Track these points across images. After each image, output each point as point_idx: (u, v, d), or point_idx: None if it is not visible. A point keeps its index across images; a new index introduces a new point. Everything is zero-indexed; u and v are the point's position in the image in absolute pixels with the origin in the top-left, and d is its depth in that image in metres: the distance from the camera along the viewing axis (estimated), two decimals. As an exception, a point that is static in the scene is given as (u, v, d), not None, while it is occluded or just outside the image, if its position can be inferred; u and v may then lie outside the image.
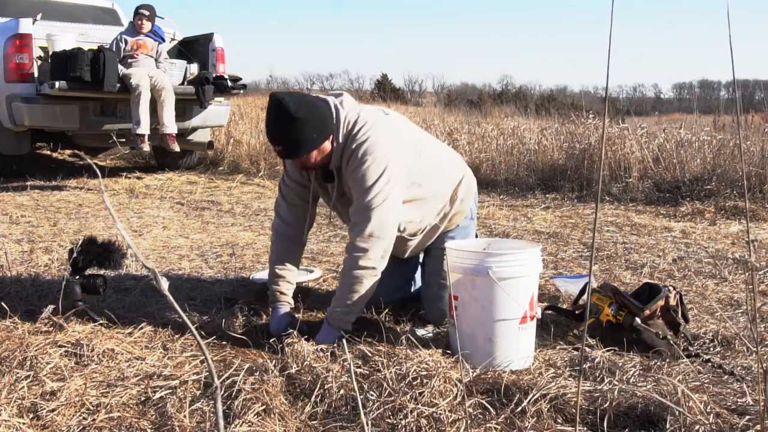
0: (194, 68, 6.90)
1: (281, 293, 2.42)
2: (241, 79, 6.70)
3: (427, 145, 2.43)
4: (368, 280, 2.20)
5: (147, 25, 6.15)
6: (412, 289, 2.73)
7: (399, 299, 2.64)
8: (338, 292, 2.25)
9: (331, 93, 2.36)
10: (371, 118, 2.27)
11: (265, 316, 2.54)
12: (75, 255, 2.31)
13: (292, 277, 2.46)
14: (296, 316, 2.40)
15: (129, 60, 6.01)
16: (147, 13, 6.16)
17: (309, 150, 2.21)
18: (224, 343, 2.26)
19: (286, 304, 2.42)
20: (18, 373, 1.84)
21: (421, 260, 2.66)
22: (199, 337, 0.73)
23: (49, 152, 7.89)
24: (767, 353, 2.18)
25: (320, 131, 2.20)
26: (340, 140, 2.23)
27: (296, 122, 2.15)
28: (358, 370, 1.94)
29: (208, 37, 6.86)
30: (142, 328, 2.26)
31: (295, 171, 2.42)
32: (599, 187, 0.85)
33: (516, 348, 2.08)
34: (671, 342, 2.15)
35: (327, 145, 2.23)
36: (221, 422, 0.76)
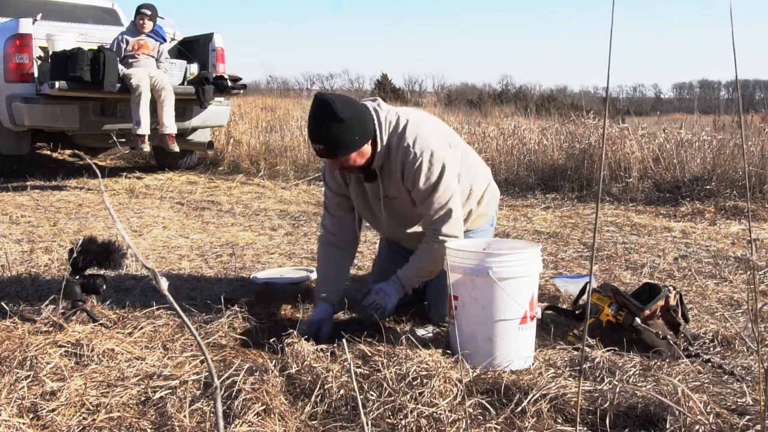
0: (194, 68, 6.90)
1: (321, 298, 2.45)
2: (241, 79, 6.70)
3: (457, 143, 2.50)
4: (442, 264, 2.31)
5: (149, 25, 6.15)
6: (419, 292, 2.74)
7: (403, 301, 2.64)
8: (419, 264, 2.39)
9: (366, 99, 2.42)
10: (411, 116, 2.36)
11: (265, 317, 2.54)
12: (75, 255, 2.31)
13: (336, 284, 2.50)
14: (329, 319, 2.41)
15: (130, 60, 6.00)
16: (149, 12, 6.16)
17: (350, 151, 2.25)
18: (224, 343, 2.25)
19: (323, 307, 2.43)
20: (18, 373, 1.84)
21: None
22: (198, 338, 0.73)
23: (49, 152, 7.90)
24: (767, 353, 2.18)
25: (363, 134, 2.25)
26: (385, 141, 2.30)
27: (341, 123, 2.19)
28: (358, 370, 1.94)
29: (208, 37, 6.86)
30: (142, 328, 2.26)
31: (334, 180, 2.50)
32: (600, 187, 0.84)
33: (516, 348, 2.07)
34: (671, 342, 2.15)
35: (367, 148, 2.29)
36: (221, 422, 0.76)
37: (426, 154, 2.27)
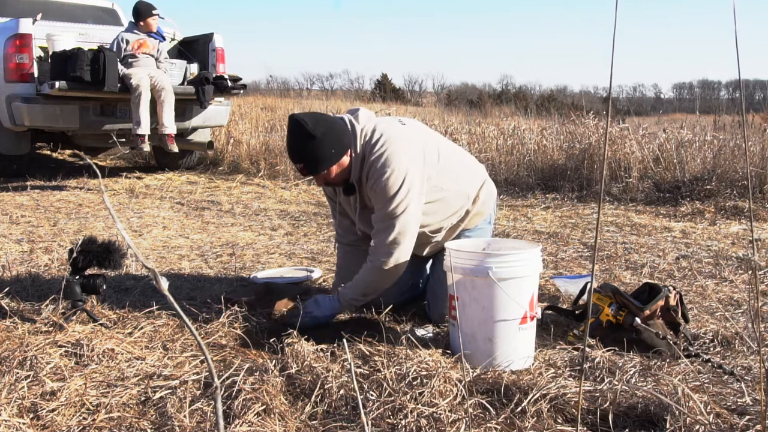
0: (194, 68, 6.90)
1: (336, 288, 2.55)
2: (241, 79, 6.70)
3: (447, 149, 2.52)
4: (386, 281, 2.38)
5: (155, 25, 6.17)
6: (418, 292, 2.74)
7: (403, 301, 2.65)
8: (356, 282, 2.40)
9: (347, 111, 2.48)
10: (387, 129, 2.36)
11: (265, 317, 2.54)
12: (75, 255, 2.31)
13: (349, 278, 2.51)
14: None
15: (130, 60, 6.00)
16: (158, 13, 6.17)
17: (328, 165, 2.32)
18: (224, 343, 2.25)
19: (332, 302, 2.47)
20: (18, 373, 1.84)
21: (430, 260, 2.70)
22: (198, 337, 0.73)
23: (49, 152, 7.90)
24: (767, 353, 2.18)
25: (338, 147, 2.31)
26: (358, 151, 2.35)
27: (314, 140, 2.27)
28: (358, 370, 1.94)
29: (208, 37, 6.86)
30: (142, 328, 2.26)
31: (326, 189, 2.61)
32: (602, 186, 0.84)
33: (516, 348, 2.07)
34: (671, 342, 2.15)
35: (346, 160, 2.35)
36: (221, 422, 0.76)
37: (388, 168, 2.27)
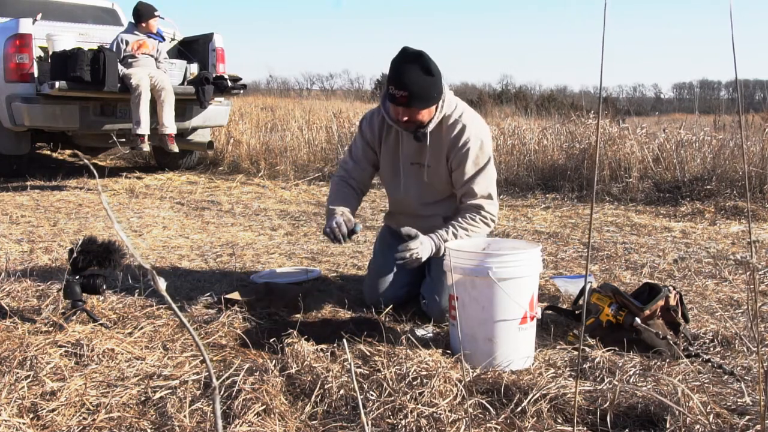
0: (194, 68, 6.90)
1: (332, 211, 2.57)
2: (241, 79, 6.70)
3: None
4: (484, 232, 2.53)
5: (155, 26, 6.17)
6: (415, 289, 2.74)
7: (401, 296, 2.65)
8: (454, 226, 2.47)
9: None
10: (467, 108, 2.57)
11: (265, 317, 2.54)
12: (75, 255, 2.31)
13: (346, 206, 2.60)
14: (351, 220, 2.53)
15: (129, 60, 6.00)
16: (158, 14, 6.17)
17: (427, 105, 2.42)
18: (224, 343, 2.25)
19: (336, 214, 2.53)
20: (18, 373, 1.84)
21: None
22: (197, 337, 0.73)
23: (49, 152, 7.89)
24: (767, 353, 2.18)
25: (439, 93, 2.43)
26: (441, 112, 2.48)
27: (430, 77, 2.36)
28: (358, 370, 1.93)
29: (208, 37, 6.86)
30: (142, 328, 2.26)
31: (370, 129, 2.65)
32: (594, 186, 0.84)
33: (516, 348, 2.07)
34: (671, 342, 2.15)
35: (434, 109, 2.46)
36: (220, 422, 0.76)
37: (478, 139, 2.49)
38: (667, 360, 2.08)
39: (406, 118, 2.44)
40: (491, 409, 1.73)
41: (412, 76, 2.33)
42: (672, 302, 2.27)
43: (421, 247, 2.39)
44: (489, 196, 2.54)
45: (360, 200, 2.73)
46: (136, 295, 2.77)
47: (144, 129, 5.84)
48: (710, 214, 4.73)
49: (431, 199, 2.63)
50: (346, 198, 2.64)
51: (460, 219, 2.50)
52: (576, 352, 2.15)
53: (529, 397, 1.74)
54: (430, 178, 2.58)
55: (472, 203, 2.52)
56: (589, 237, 0.86)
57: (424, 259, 2.41)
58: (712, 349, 2.23)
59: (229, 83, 6.48)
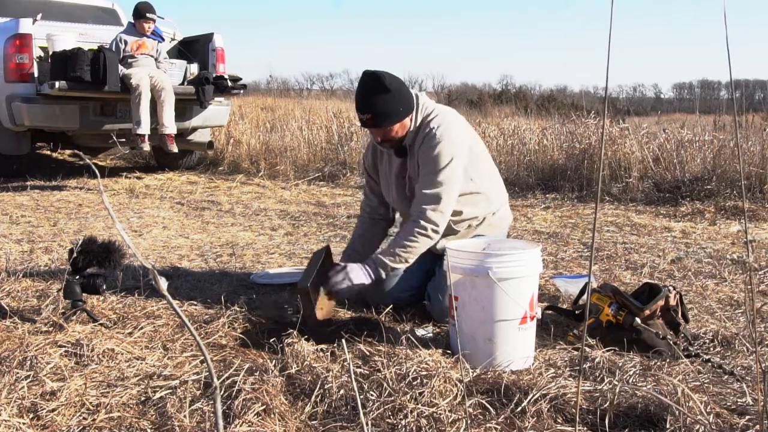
0: (194, 68, 6.89)
1: (348, 256, 2.62)
2: (241, 79, 6.70)
3: (487, 156, 2.70)
4: (424, 244, 2.45)
5: (151, 27, 6.16)
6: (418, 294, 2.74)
7: (404, 299, 2.65)
8: (393, 244, 2.46)
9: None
10: (445, 112, 2.56)
11: (264, 317, 2.54)
12: (75, 255, 2.31)
13: (361, 247, 2.67)
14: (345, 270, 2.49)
15: (129, 60, 6.00)
16: (154, 17, 6.17)
17: (394, 121, 2.44)
18: (224, 343, 2.25)
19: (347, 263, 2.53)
20: (18, 373, 1.84)
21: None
22: (198, 337, 0.73)
23: (49, 152, 7.89)
24: (767, 353, 2.18)
25: (406, 106, 2.45)
26: (418, 121, 2.49)
27: (387, 94, 2.39)
28: (358, 370, 1.93)
29: (208, 37, 6.86)
30: (142, 328, 2.26)
31: (371, 156, 2.71)
32: (598, 186, 0.84)
33: (516, 348, 2.07)
34: (671, 342, 2.15)
35: (407, 122, 2.48)
36: (220, 422, 0.76)
37: (442, 140, 2.42)
38: (667, 360, 2.08)
39: (379, 139, 2.50)
40: (491, 409, 1.73)
41: (371, 98, 2.40)
42: (672, 302, 2.27)
43: (352, 273, 2.42)
44: (435, 200, 2.41)
45: (380, 227, 2.78)
46: (136, 295, 2.77)
47: (144, 129, 5.84)
48: (710, 214, 4.73)
49: None
50: (359, 235, 2.75)
51: (400, 234, 2.48)
52: (576, 352, 2.15)
53: (529, 397, 1.74)
54: (411, 191, 2.57)
55: (415, 209, 2.46)
56: (593, 237, 0.86)
57: (360, 283, 2.42)
58: (712, 349, 2.23)
59: (229, 83, 6.48)
